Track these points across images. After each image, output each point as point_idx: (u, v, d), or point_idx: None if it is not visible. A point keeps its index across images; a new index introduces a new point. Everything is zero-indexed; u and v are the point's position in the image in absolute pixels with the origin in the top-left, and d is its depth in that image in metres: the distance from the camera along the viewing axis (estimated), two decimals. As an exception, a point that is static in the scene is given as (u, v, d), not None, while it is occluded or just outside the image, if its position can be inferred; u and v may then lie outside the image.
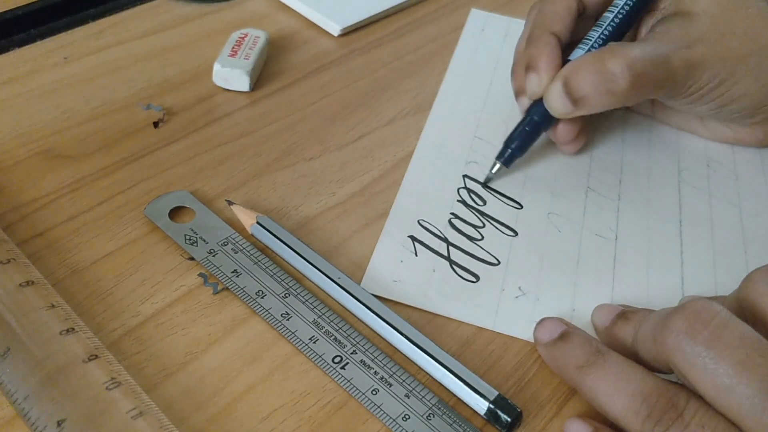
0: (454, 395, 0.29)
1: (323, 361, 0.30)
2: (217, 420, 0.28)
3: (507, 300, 0.34)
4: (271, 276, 0.33)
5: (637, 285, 0.35)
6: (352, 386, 0.29)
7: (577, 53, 0.39)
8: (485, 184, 0.39)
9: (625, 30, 0.40)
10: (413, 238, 0.36)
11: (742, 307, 0.27)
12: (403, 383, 0.29)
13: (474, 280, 0.34)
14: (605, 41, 0.38)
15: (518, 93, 0.41)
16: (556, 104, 0.37)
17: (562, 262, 0.36)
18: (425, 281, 0.34)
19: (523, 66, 0.39)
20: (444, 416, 0.28)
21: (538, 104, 0.39)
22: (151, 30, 0.47)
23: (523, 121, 0.39)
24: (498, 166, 0.39)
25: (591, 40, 0.39)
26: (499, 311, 0.33)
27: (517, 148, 0.39)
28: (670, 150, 0.43)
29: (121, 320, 0.31)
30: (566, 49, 0.39)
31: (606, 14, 0.39)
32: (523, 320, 0.33)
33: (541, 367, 0.31)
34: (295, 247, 0.33)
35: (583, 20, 0.40)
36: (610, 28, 0.39)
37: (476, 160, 0.41)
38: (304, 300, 0.32)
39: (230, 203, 0.36)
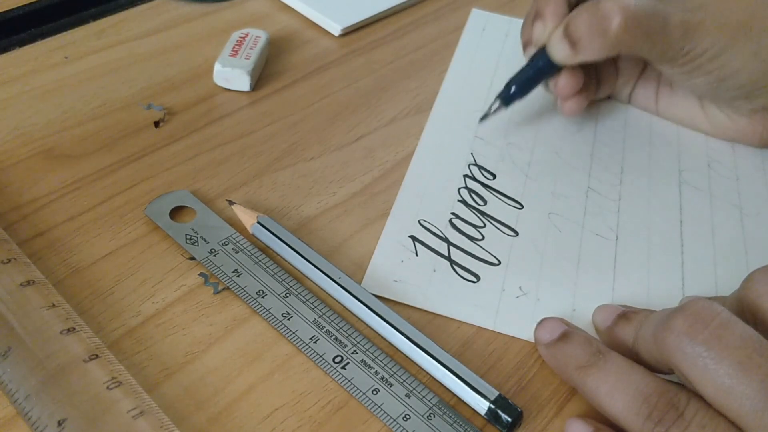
0: (455, 395, 0.29)
1: (324, 361, 0.30)
2: (217, 419, 0.28)
3: (507, 300, 0.34)
4: (272, 276, 0.33)
5: (638, 285, 0.35)
6: (352, 386, 0.29)
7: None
8: (482, 121, 0.41)
9: None
10: (414, 238, 0.36)
11: (742, 308, 0.27)
12: (404, 383, 0.29)
13: (474, 280, 0.34)
14: None
15: (526, 45, 0.42)
16: (556, 48, 0.38)
17: (562, 262, 0.36)
18: (426, 281, 0.34)
19: (531, 18, 0.40)
20: (444, 416, 0.28)
21: (542, 51, 0.40)
22: (151, 30, 0.48)
23: (526, 65, 0.41)
24: (497, 104, 0.40)
25: None
26: (499, 311, 0.33)
27: (517, 89, 0.40)
28: (670, 150, 0.43)
29: (121, 320, 0.31)
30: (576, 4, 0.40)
31: None
32: (523, 320, 0.33)
33: (542, 367, 0.31)
34: (295, 246, 0.33)
35: None
36: None
37: (477, 161, 0.41)
38: (304, 300, 0.32)
39: (231, 203, 0.36)
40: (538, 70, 0.40)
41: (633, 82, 0.45)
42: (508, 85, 0.40)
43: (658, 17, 0.37)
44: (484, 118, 0.41)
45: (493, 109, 0.41)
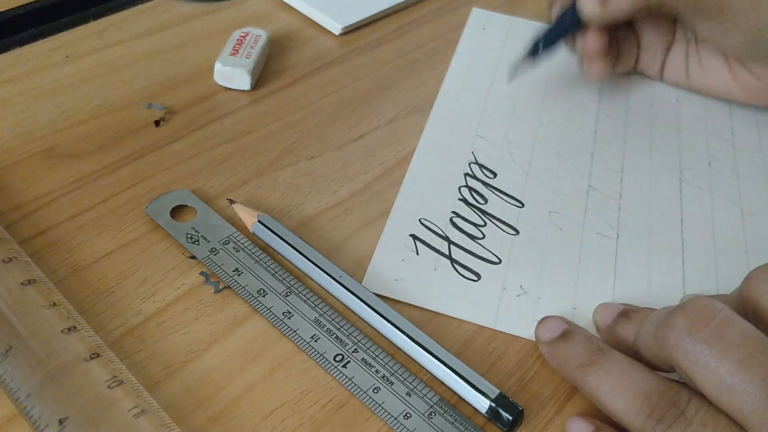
0: (456, 394, 0.29)
1: (325, 360, 0.30)
2: (218, 418, 0.28)
3: (508, 298, 0.34)
4: (273, 275, 0.33)
5: (639, 284, 0.35)
6: (353, 385, 0.29)
7: None
8: (511, 79, 0.42)
9: None
10: (414, 237, 0.36)
11: (743, 306, 0.27)
12: (405, 381, 0.29)
13: (475, 278, 0.34)
14: None
15: (552, 2, 0.42)
16: (587, 4, 0.39)
17: (563, 260, 0.36)
18: (426, 280, 0.34)
19: None
20: (445, 414, 0.28)
21: (570, 9, 0.41)
22: (152, 29, 0.47)
23: (553, 24, 0.42)
24: (525, 57, 0.42)
25: None
26: (500, 310, 0.33)
27: (545, 45, 0.42)
28: (671, 149, 0.43)
29: (122, 319, 0.31)
30: None
31: None
32: (524, 319, 0.33)
33: (543, 365, 0.31)
34: (296, 245, 0.33)
35: None
36: None
37: (478, 159, 0.41)
38: (305, 298, 0.32)
39: (231, 202, 0.36)
40: (564, 28, 0.41)
41: (661, 57, 0.45)
42: (536, 43, 0.42)
43: None
44: (512, 73, 0.42)
45: (521, 63, 0.42)
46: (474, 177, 0.40)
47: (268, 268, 0.33)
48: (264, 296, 0.32)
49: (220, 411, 0.28)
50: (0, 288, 0.29)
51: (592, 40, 0.41)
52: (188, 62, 0.45)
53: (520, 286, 0.34)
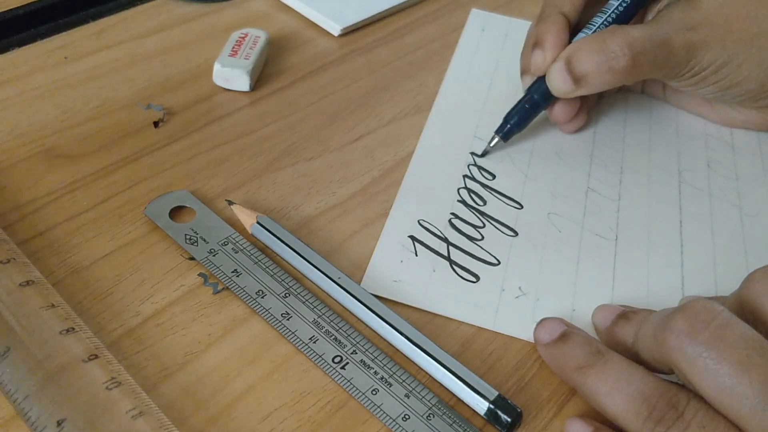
0: (454, 395, 0.29)
1: (323, 361, 0.30)
2: (217, 420, 0.28)
3: (507, 300, 0.34)
4: (272, 276, 0.33)
5: (638, 285, 0.35)
6: (352, 386, 0.29)
7: (580, 37, 0.40)
8: (482, 155, 0.41)
9: (629, 17, 0.40)
10: (413, 238, 0.36)
11: (742, 308, 0.27)
12: (403, 383, 0.29)
13: (474, 280, 0.34)
14: (609, 26, 0.39)
15: (523, 71, 0.42)
16: (557, 83, 0.38)
17: (562, 262, 0.36)
18: (425, 281, 0.34)
19: (531, 44, 0.40)
20: (444, 416, 0.28)
21: (539, 82, 0.40)
22: (151, 30, 0.47)
23: (523, 98, 0.41)
24: (496, 139, 0.41)
25: (595, 26, 0.40)
26: (499, 311, 0.33)
27: (515, 123, 0.40)
28: (670, 150, 0.43)
29: (121, 320, 0.31)
30: (575, 31, 0.40)
31: (611, 1, 0.40)
32: (523, 320, 0.33)
33: (541, 367, 0.31)
34: (295, 246, 0.33)
35: (595, 4, 0.41)
36: (614, 15, 0.40)
37: (476, 161, 0.41)
38: (304, 300, 0.32)
39: (230, 203, 0.36)
40: (534, 102, 0.40)
41: (640, 83, 0.46)
42: (505, 120, 0.40)
43: (662, 43, 0.37)
44: (484, 154, 0.41)
45: (492, 144, 0.41)
46: (473, 178, 0.40)
47: (267, 269, 0.33)
48: (263, 297, 0.32)
49: (219, 412, 0.28)
50: (-2, 289, 0.29)
51: (560, 110, 0.40)
52: (187, 63, 0.45)
53: (519, 287, 0.34)
